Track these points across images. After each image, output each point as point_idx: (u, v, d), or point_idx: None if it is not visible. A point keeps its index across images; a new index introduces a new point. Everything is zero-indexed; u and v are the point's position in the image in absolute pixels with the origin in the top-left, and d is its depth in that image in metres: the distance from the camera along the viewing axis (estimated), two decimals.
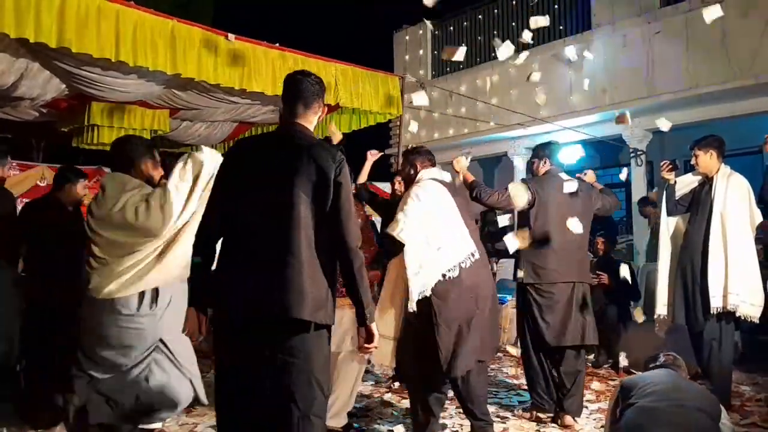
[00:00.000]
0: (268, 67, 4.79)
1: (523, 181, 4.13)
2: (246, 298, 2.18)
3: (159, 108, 5.89)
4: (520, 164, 9.67)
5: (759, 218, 4.09)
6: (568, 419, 3.82)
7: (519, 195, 3.85)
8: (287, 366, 2.17)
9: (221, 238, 2.30)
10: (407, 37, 11.18)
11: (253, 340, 2.19)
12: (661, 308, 4.31)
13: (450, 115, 9.78)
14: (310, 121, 2.41)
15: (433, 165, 3.56)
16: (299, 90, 2.40)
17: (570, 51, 8.34)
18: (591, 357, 5.67)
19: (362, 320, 2.29)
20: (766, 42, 6.68)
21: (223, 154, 2.61)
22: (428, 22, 10.87)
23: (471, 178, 3.93)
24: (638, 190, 8.40)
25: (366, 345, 2.33)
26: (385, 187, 10.25)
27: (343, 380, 3.70)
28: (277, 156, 2.28)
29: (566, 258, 3.84)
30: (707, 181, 4.18)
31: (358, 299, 2.27)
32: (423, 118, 10.38)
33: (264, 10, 15.90)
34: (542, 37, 9.16)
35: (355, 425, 3.88)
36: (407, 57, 11.04)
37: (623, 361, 5.34)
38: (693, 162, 4.22)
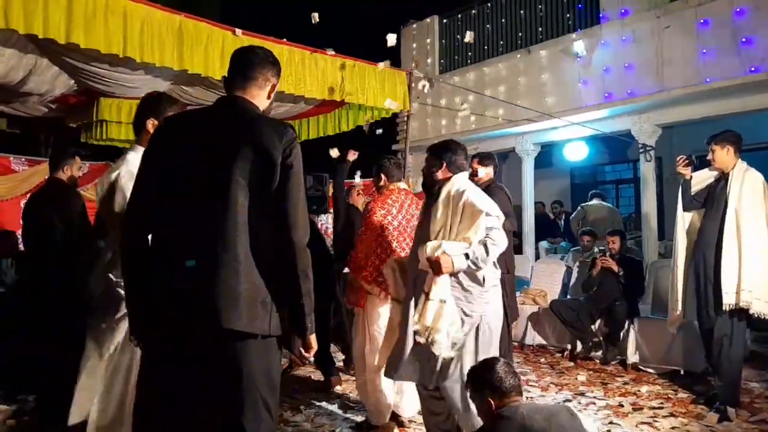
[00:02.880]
0: None
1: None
2: (172, 303, 1.86)
3: None
4: (527, 159, 9.64)
5: None
6: None
7: None
8: (225, 384, 1.86)
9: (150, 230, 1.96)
10: (415, 32, 11.14)
11: (180, 354, 1.87)
12: (677, 305, 4.27)
13: (457, 110, 9.74)
14: (254, 95, 2.07)
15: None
16: (237, 62, 2.11)
17: (579, 46, 8.30)
18: (599, 353, 5.66)
19: (301, 330, 1.94)
20: None
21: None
22: (436, 18, 10.86)
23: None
24: (647, 186, 8.35)
25: (304, 354, 2.03)
26: None
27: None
28: (210, 132, 1.94)
29: None
30: (723, 177, 4.13)
31: (298, 304, 1.91)
32: (430, 112, 10.36)
33: (271, 5, 15.89)
34: (551, 31, 9.11)
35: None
36: (415, 52, 11.00)
37: (631, 357, 5.32)
38: (709, 157, 4.16)
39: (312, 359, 2.05)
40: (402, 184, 3.94)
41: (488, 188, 4.17)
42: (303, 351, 2.01)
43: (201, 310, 1.83)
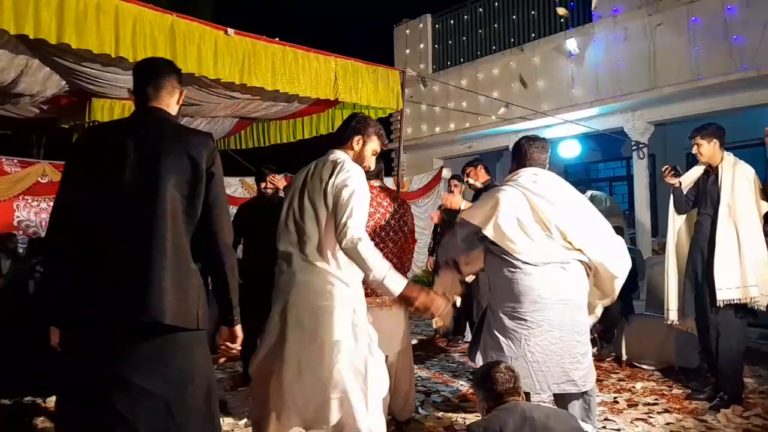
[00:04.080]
0: (267, 61, 4.79)
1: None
2: (103, 303, 1.91)
3: None
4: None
5: (766, 207, 4.01)
6: None
7: None
8: (157, 376, 1.92)
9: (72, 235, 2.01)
10: (407, 31, 11.15)
11: (112, 347, 1.92)
12: (672, 314, 4.26)
13: (451, 109, 9.76)
14: (167, 104, 2.14)
15: None
16: (146, 73, 2.16)
17: (571, 44, 8.33)
18: (594, 350, 5.67)
19: (229, 322, 2.11)
20: None
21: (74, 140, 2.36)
22: (428, 16, 10.87)
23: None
24: (640, 183, 8.39)
25: (229, 345, 2.15)
26: (388, 182, 10.26)
27: (402, 380, 3.66)
28: (140, 142, 2.00)
29: None
30: (712, 171, 4.11)
31: (226, 299, 2.07)
32: (424, 111, 10.36)
33: (263, 4, 15.85)
34: (543, 30, 9.14)
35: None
36: (408, 51, 11.01)
37: (626, 354, 5.33)
38: (695, 151, 4.13)
39: (238, 350, 2.20)
40: (376, 182, 3.68)
41: (488, 189, 4.40)
42: (229, 343, 2.15)
43: (134, 306, 1.90)
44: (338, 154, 2.70)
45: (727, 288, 3.86)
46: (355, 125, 2.75)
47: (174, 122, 2.15)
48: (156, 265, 1.91)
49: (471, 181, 5.31)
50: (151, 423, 1.91)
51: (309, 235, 2.56)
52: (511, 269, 2.96)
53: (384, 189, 3.71)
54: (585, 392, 2.98)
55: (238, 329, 2.14)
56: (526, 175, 3.16)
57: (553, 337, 2.90)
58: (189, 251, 2.01)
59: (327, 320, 2.47)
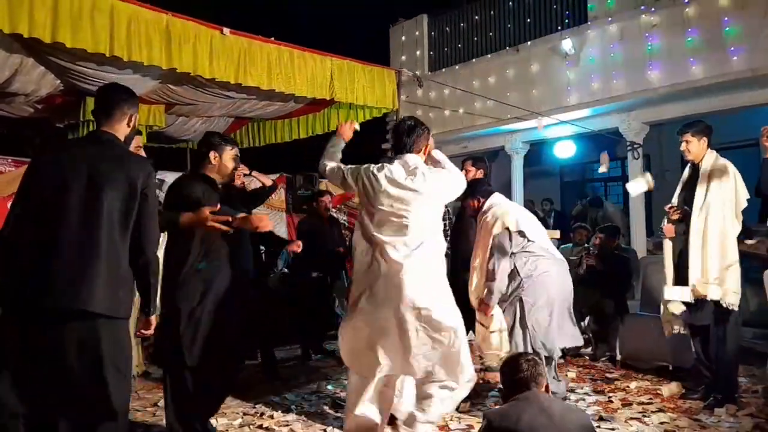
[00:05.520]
0: (263, 61, 4.78)
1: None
2: (41, 290, 2.28)
3: (155, 103, 5.88)
4: (517, 158, 9.68)
5: (744, 204, 3.97)
6: None
7: None
8: (88, 357, 2.33)
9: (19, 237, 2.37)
10: (403, 31, 11.14)
11: (50, 332, 2.32)
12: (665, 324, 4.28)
13: (446, 110, 9.76)
14: (117, 128, 2.54)
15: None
16: (99, 101, 2.59)
17: (566, 44, 8.34)
18: (589, 350, 5.69)
19: (147, 312, 2.60)
20: (763, 33, 6.66)
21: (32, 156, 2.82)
22: (425, 16, 10.86)
23: None
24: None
25: (143, 331, 2.66)
26: None
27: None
28: (88, 162, 2.40)
29: None
30: (694, 168, 4.12)
31: (147, 296, 2.54)
32: (420, 112, 10.36)
33: (260, 3, 15.83)
34: (538, 30, 9.15)
35: None
36: (403, 51, 11.01)
37: (620, 353, 5.35)
38: (683, 148, 4.11)
39: (152, 335, 2.78)
40: None
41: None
42: (144, 330, 2.65)
43: (74, 298, 2.30)
44: (417, 159, 3.25)
45: (691, 282, 3.89)
46: (422, 131, 3.27)
47: (118, 146, 2.53)
48: (92, 264, 2.30)
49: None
50: (75, 397, 2.34)
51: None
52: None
53: None
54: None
55: (153, 319, 2.64)
56: None
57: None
58: (122, 255, 2.40)
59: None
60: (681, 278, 4.04)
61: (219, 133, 4.27)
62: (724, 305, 3.88)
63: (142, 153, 3.42)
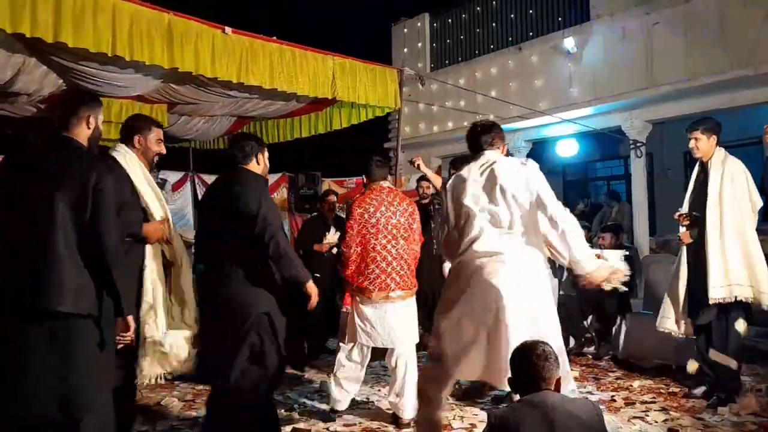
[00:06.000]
0: (265, 60, 4.77)
1: None
2: (3, 290, 2.36)
3: (157, 102, 5.88)
4: (519, 157, 9.67)
5: (760, 203, 3.97)
6: None
7: None
8: (59, 356, 2.35)
9: None
10: (405, 30, 11.14)
11: (14, 333, 2.36)
12: (671, 324, 4.23)
13: (449, 108, 9.76)
14: (75, 132, 2.64)
15: None
16: (59, 106, 2.75)
17: (569, 43, 8.33)
18: (592, 348, 5.68)
19: (120, 312, 2.52)
20: (766, 32, 6.65)
21: None
22: (426, 15, 10.86)
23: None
24: (638, 182, 8.39)
25: (122, 334, 2.57)
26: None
27: (411, 374, 3.79)
28: (47, 165, 2.51)
29: None
30: (703, 167, 4.09)
31: (115, 295, 2.48)
32: (422, 111, 10.36)
33: (262, 3, 15.84)
34: (541, 28, 9.14)
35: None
36: (405, 50, 11.00)
37: (623, 352, 5.34)
38: (692, 145, 4.06)
39: (132, 338, 2.64)
40: (385, 183, 4.04)
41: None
42: (122, 333, 2.57)
43: (29, 295, 2.35)
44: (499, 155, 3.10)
45: (712, 287, 3.85)
46: (498, 131, 3.14)
47: (76, 148, 2.61)
48: (50, 265, 2.35)
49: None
50: (47, 393, 2.35)
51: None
52: None
53: (392, 189, 4.04)
54: None
55: (130, 320, 2.55)
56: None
57: None
58: (78, 254, 2.42)
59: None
60: (698, 284, 3.98)
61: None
62: (765, 307, 3.85)
63: (162, 147, 3.40)
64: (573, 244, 2.81)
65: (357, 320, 3.84)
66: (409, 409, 3.76)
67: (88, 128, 2.66)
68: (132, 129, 3.35)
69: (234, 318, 2.97)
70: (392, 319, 3.80)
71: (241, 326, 2.95)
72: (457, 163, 5.05)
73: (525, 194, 2.85)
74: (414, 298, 3.99)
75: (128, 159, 3.20)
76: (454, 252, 2.96)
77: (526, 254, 2.84)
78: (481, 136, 3.13)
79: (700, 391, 4.23)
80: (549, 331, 2.72)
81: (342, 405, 3.97)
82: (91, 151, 2.69)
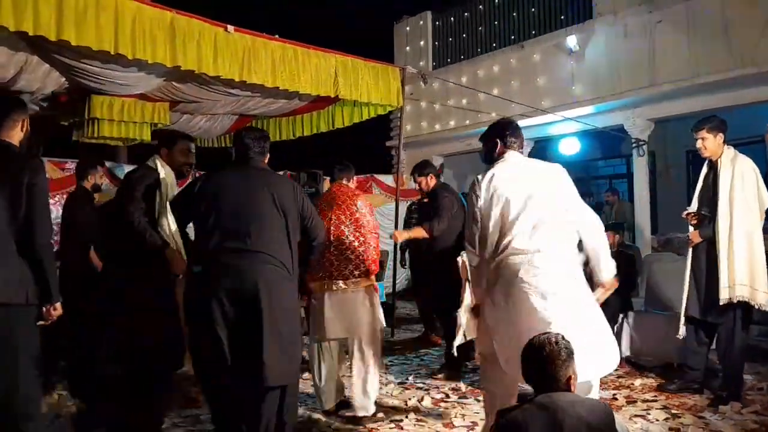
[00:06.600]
0: (267, 58, 4.78)
1: None
2: None
3: (159, 101, 5.89)
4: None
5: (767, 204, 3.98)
6: None
7: None
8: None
9: None
10: (408, 28, 11.13)
11: None
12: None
13: (451, 107, 9.75)
14: (10, 135, 2.77)
15: None
16: None
17: (571, 41, 8.32)
18: None
19: (50, 299, 2.71)
20: None
21: None
22: (428, 13, 10.85)
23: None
24: (640, 181, 8.38)
25: (52, 314, 2.75)
26: (386, 179, 10.25)
27: (370, 365, 3.86)
28: None
29: None
30: (712, 166, 4.05)
31: (46, 284, 2.68)
32: (424, 109, 10.36)
33: (264, 1, 15.83)
34: (543, 26, 9.13)
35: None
36: (408, 48, 11.00)
37: (625, 351, 5.34)
38: (699, 145, 4.02)
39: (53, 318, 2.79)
40: (344, 181, 4.17)
41: (435, 192, 5.03)
42: (51, 315, 2.73)
43: None
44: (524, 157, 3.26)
45: (722, 287, 3.84)
46: (521, 132, 3.35)
47: (11, 149, 2.74)
48: None
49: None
50: None
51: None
52: None
53: (345, 188, 4.13)
54: None
55: (58, 305, 2.76)
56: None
57: None
58: (13, 248, 2.59)
59: None
60: (710, 283, 3.97)
61: None
62: (756, 306, 3.84)
63: (189, 157, 3.71)
64: (603, 251, 2.94)
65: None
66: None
67: (21, 131, 2.82)
68: (160, 141, 3.74)
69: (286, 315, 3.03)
70: (346, 309, 3.88)
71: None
72: (421, 168, 5.17)
73: (557, 196, 2.92)
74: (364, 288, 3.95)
75: (159, 167, 3.53)
76: (483, 252, 2.94)
77: (564, 253, 2.89)
78: (515, 138, 3.30)
79: (674, 387, 4.32)
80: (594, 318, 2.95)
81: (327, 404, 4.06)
82: (22, 152, 2.84)
